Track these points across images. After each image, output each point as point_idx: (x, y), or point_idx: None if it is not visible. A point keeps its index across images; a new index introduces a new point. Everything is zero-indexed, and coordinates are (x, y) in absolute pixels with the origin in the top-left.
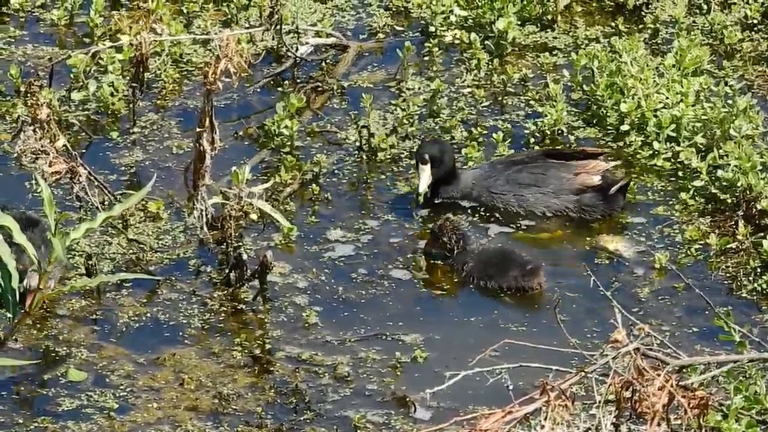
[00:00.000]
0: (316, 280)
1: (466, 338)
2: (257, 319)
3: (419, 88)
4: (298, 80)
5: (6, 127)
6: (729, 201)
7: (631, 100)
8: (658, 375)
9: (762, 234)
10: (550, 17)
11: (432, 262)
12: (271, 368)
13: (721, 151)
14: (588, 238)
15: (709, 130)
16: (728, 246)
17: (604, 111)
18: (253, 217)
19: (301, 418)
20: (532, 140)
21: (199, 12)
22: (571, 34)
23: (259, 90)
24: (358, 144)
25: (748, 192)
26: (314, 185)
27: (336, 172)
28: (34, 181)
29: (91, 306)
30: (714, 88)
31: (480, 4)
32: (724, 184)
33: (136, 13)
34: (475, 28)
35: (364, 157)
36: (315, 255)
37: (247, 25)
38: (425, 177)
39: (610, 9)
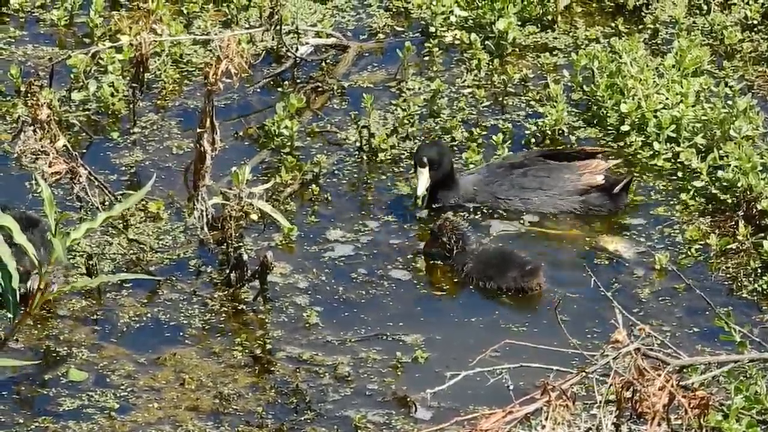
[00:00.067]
0: (316, 280)
1: (466, 338)
2: (258, 320)
3: (419, 89)
4: (298, 80)
5: (6, 128)
6: (729, 201)
7: (631, 100)
8: (659, 375)
9: (762, 234)
10: (550, 18)
11: (432, 262)
12: (272, 368)
13: (721, 151)
14: (588, 239)
15: (710, 131)
16: (728, 246)
17: (605, 111)
18: (254, 217)
19: (302, 418)
20: (533, 140)
21: (199, 12)
22: (571, 34)
23: (259, 90)
24: (358, 144)
25: (748, 192)
26: (314, 185)
27: (336, 172)
28: (34, 182)
29: (91, 306)
30: (714, 89)
31: (480, 4)
32: (725, 184)
33: (136, 13)
34: (475, 29)
35: (365, 157)
36: (315, 255)
37: (247, 26)
38: (423, 180)
39: (610, 9)
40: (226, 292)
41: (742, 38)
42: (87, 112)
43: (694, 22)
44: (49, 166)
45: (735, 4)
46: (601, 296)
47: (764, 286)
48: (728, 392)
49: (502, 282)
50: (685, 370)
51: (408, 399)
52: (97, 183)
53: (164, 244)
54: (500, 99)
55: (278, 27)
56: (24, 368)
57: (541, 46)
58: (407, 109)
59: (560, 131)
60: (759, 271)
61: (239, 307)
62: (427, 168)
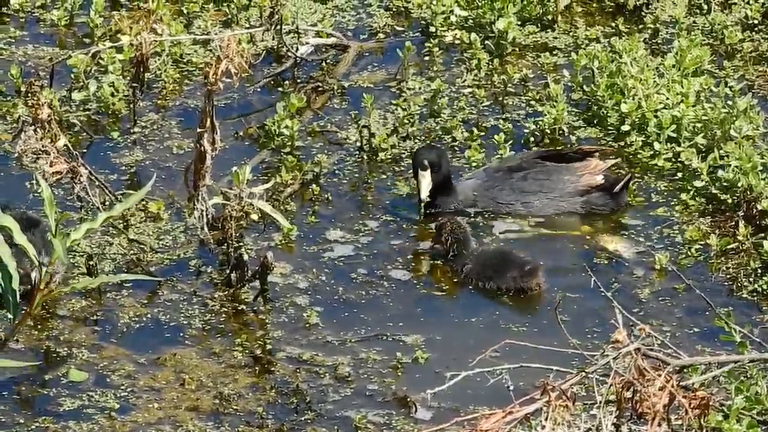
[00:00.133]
0: (316, 280)
1: (466, 339)
2: (258, 320)
3: (420, 88)
4: (299, 80)
5: (7, 127)
6: (729, 201)
7: (631, 100)
8: (659, 375)
9: (762, 235)
10: (550, 17)
11: (432, 262)
12: (272, 368)
13: (721, 151)
14: (588, 239)
15: (710, 131)
16: (729, 246)
17: (605, 111)
18: (254, 217)
19: (302, 419)
20: (532, 140)
21: (200, 12)
22: (571, 34)
23: (259, 90)
24: (358, 144)
25: (748, 192)
26: (315, 185)
27: (336, 172)
28: (34, 181)
29: (91, 306)
30: (714, 89)
31: (480, 4)
32: (725, 184)
33: (136, 13)
34: (475, 28)
35: (365, 157)
36: (315, 255)
37: (247, 26)
38: (426, 183)
39: (611, 9)
40: (226, 293)
41: (743, 38)
42: (87, 112)
43: (694, 22)
44: (50, 166)
45: (735, 3)
46: (601, 296)
47: (764, 287)
48: (729, 392)
49: (502, 282)
50: (685, 371)
51: (408, 399)
52: (97, 183)
53: (164, 245)
54: (500, 99)
55: (278, 27)
56: (24, 368)
57: (541, 46)
58: (407, 109)
59: (560, 131)
60: (759, 271)
61: (239, 308)
62: (428, 171)
